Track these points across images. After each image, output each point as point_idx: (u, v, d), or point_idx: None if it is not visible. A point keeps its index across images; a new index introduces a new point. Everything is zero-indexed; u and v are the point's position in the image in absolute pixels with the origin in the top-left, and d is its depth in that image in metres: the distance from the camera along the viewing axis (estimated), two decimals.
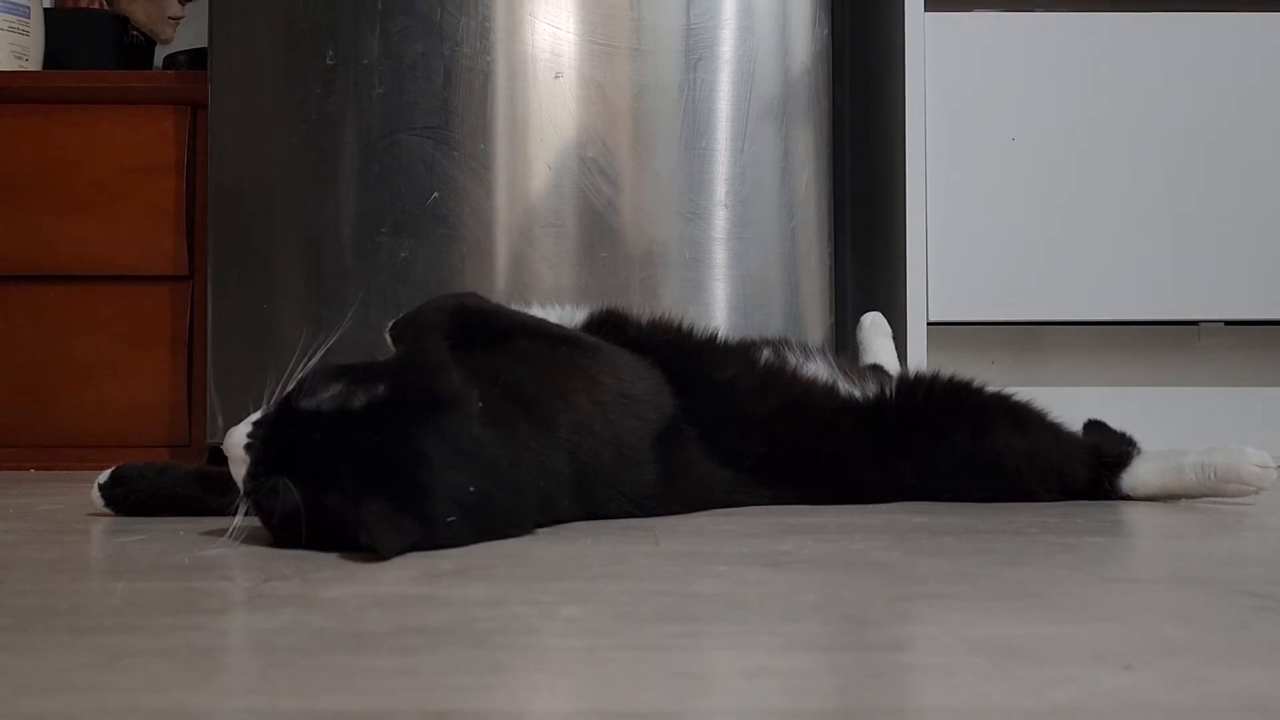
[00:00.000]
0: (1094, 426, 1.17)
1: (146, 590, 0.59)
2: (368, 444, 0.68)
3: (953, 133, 1.42)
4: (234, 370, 1.38)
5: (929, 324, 1.41)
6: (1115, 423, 1.10)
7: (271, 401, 0.73)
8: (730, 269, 1.39)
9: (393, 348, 0.93)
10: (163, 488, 0.90)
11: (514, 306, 1.00)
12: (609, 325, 0.98)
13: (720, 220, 1.38)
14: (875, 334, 1.36)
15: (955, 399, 0.99)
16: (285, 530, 0.69)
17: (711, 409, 0.95)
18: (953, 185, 1.42)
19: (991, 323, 1.45)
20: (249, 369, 1.37)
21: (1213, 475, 0.96)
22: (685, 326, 1.04)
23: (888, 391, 1.02)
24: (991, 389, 1.01)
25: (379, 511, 0.66)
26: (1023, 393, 1.03)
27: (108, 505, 0.91)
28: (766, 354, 1.06)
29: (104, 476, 0.91)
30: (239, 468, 0.71)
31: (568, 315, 1.00)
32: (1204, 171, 1.42)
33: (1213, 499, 0.97)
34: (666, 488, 0.88)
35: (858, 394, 1.02)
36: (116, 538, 0.80)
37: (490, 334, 0.88)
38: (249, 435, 0.71)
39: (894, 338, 1.38)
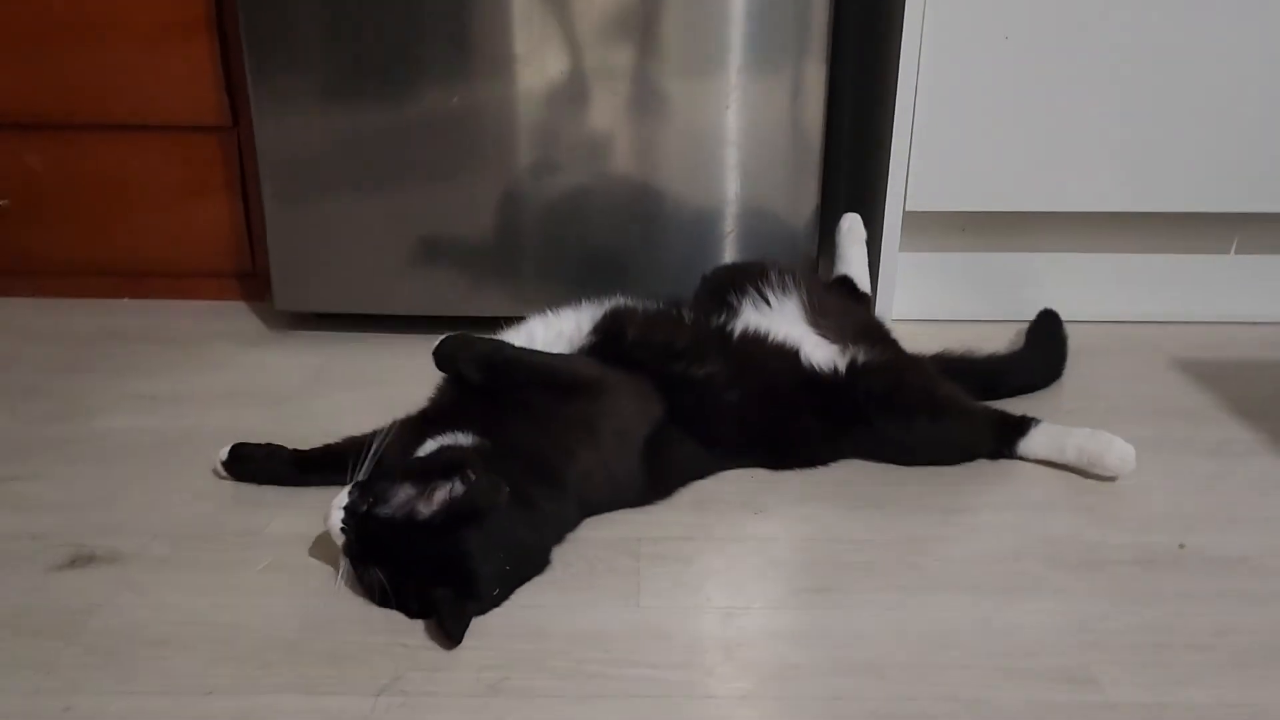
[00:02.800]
0: (1046, 315, 1.48)
1: None
2: (433, 549, 0.94)
3: (950, 30, 1.47)
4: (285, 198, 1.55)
5: (905, 212, 1.57)
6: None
7: (353, 490, 0.98)
8: (738, 144, 1.50)
9: (436, 368, 1.15)
10: (271, 470, 1.18)
11: None
12: (610, 335, 1.19)
13: (732, 98, 1.47)
14: (850, 241, 1.54)
15: (888, 396, 1.21)
16: (375, 596, 0.97)
17: (692, 405, 1.18)
18: (944, 81, 1.50)
19: (967, 212, 1.61)
20: (298, 200, 1.54)
21: (1085, 458, 1.21)
22: (675, 319, 1.24)
23: (839, 369, 1.24)
24: (921, 382, 1.24)
25: (447, 597, 0.94)
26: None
27: (227, 472, 1.19)
28: (743, 325, 1.27)
29: (225, 453, 1.18)
30: (338, 540, 0.98)
31: (581, 321, 1.21)
32: (1186, 71, 1.49)
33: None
34: (653, 484, 1.15)
35: (816, 361, 1.25)
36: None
37: (514, 382, 1.10)
38: (342, 523, 0.97)
39: (875, 221, 1.56)
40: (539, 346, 1.19)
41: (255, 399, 1.41)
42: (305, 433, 1.23)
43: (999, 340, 1.53)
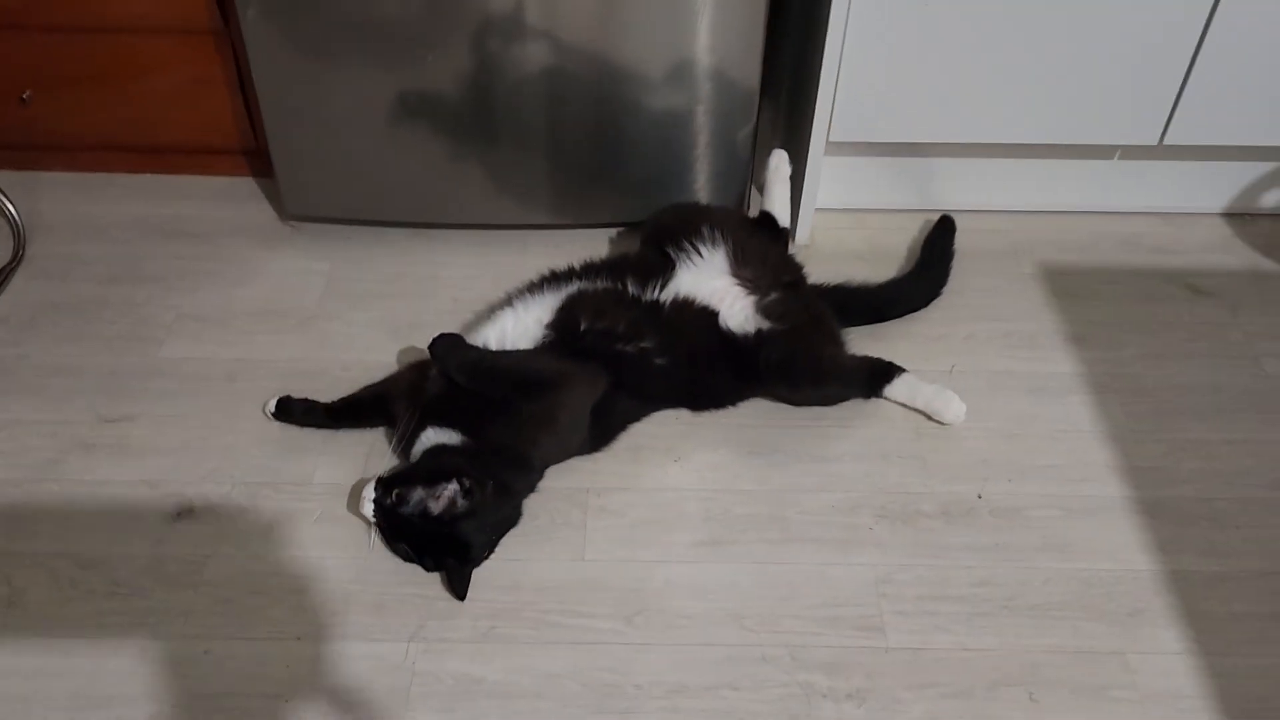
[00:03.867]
0: (942, 227, 1.83)
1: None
2: (444, 535, 1.35)
3: None
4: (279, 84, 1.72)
5: (828, 143, 1.80)
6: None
7: (378, 486, 1.37)
8: (690, 50, 1.69)
9: (432, 360, 1.49)
10: (309, 419, 1.56)
11: None
12: (565, 328, 1.51)
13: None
14: (776, 179, 1.79)
15: (783, 365, 1.55)
16: (400, 556, 1.40)
17: (631, 372, 1.54)
18: (870, 26, 1.66)
19: (887, 144, 1.83)
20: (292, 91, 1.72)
21: (930, 409, 1.60)
22: (619, 297, 1.55)
23: (749, 333, 1.58)
24: (810, 353, 1.57)
25: (454, 566, 1.37)
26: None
27: (276, 419, 1.57)
28: (674, 291, 1.58)
29: (273, 405, 1.56)
30: (370, 521, 1.39)
31: (541, 315, 1.52)
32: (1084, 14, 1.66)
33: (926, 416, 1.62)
34: (598, 436, 1.54)
35: (731, 325, 1.58)
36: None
37: (492, 383, 1.45)
38: (373, 505, 1.37)
39: (802, 151, 1.80)
40: (510, 338, 1.52)
41: (283, 320, 1.74)
42: (328, 358, 1.67)
43: (908, 228, 1.90)
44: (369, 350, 1.69)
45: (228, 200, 1.98)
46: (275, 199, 1.97)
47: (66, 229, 1.90)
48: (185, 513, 1.47)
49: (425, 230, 1.91)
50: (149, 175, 2.02)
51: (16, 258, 1.83)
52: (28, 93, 1.89)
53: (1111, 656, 1.32)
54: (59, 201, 1.95)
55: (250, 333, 1.73)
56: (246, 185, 2.01)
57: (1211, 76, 1.71)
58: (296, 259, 1.86)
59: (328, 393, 1.60)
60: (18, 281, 1.80)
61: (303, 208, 1.87)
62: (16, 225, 1.85)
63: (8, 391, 1.62)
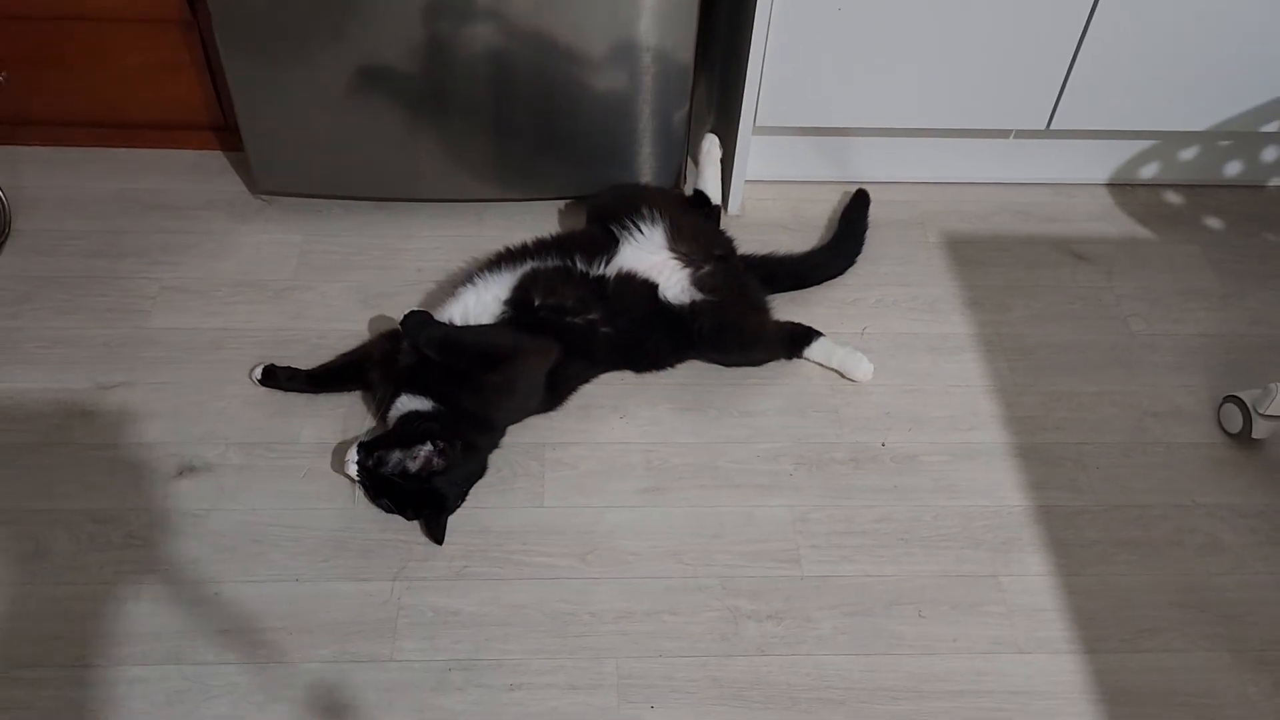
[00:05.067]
0: (857, 201, 2.04)
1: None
2: (421, 490, 1.56)
3: None
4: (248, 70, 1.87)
5: (755, 127, 1.99)
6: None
7: (359, 450, 1.56)
8: (629, 35, 1.85)
9: (403, 334, 1.67)
10: (292, 385, 1.74)
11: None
12: (521, 305, 1.70)
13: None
14: (708, 162, 2.00)
15: (715, 334, 1.77)
16: (382, 508, 1.60)
17: (580, 340, 1.74)
18: (792, 19, 1.85)
19: (810, 128, 2.03)
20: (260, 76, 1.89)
21: (843, 368, 1.83)
22: (568, 274, 1.75)
23: (684, 304, 1.78)
24: (738, 324, 1.79)
25: (431, 516, 1.57)
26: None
27: (262, 385, 1.75)
28: (618, 266, 1.78)
29: (259, 373, 1.74)
30: (354, 480, 1.59)
31: (499, 292, 1.71)
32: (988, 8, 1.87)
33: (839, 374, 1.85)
34: (552, 398, 1.75)
35: (669, 296, 1.79)
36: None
37: (458, 356, 1.64)
38: (356, 464, 1.57)
39: (732, 133, 1.99)
40: (472, 314, 1.70)
41: (260, 291, 1.91)
42: (305, 327, 1.84)
43: (827, 199, 2.12)
44: (342, 319, 1.87)
45: (199, 174, 2.12)
46: (245, 172, 2.11)
47: (50, 204, 2.03)
48: (186, 471, 1.65)
49: (388, 204, 2.08)
50: (123, 150, 2.14)
51: (4, 233, 1.96)
52: (3, 74, 2.00)
53: (986, 579, 1.58)
54: (40, 177, 2.08)
55: (231, 303, 1.89)
56: (216, 159, 2.15)
57: (1093, 68, 1.93)
58: (270, 232, 2.02)
59: (306, 359, 1.78)
60: (8, 256, 1.94)
61: (273, 184, 2.02)
62: (2, 202, 1.98)
63: (11, 362, 1.77)
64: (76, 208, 2.03)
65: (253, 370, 1.75)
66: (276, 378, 1.74)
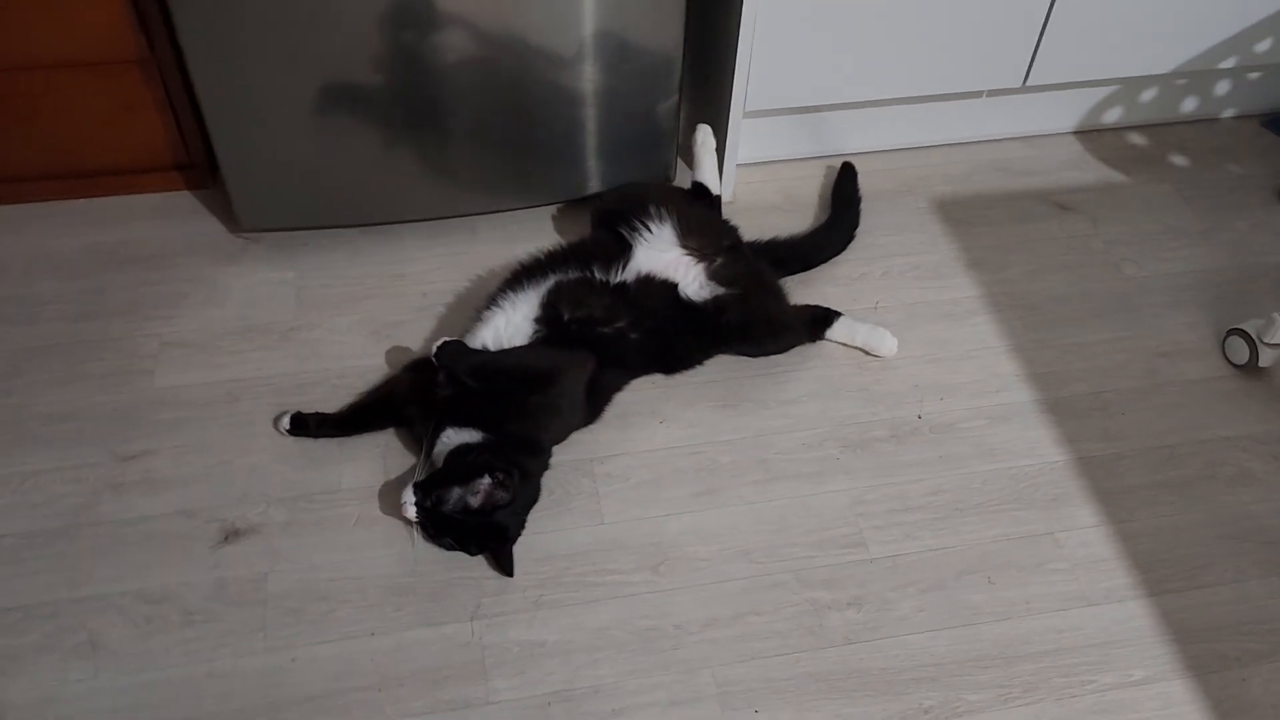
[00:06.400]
0: (845, 174, 2.05)
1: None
2: (482, 525, 1.53)
3: None
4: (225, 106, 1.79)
5: (745, 112, 1.99)
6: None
7: (415, 490, 1.52)
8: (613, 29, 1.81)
9: (438, 366, 1.63)
10: (323, 431, 1.69)
11: None
12: (551, 321, 1.67)
13: None
14: (703, 153, 1.98)
15: (743, 328, 1.77)
16: (444, 547, 1.57)
17: (611, 349, 1.72)
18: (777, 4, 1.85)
19: (797, 108, 2.03)
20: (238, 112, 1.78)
21: (867, 345, 1.85)
22: (591, 284, 1.72)
23: (707, 299, 1.78)
24: (764, 314, 1.79)
25: (497, 549, 1.55)
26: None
27: (291, 434, 1.69)
28: (635, 269, 1.76)
29: (286, 421, 1.68)
30: (412, 522, 1.55)
31: (528, 311, 1.68)
32: None
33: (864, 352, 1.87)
34: (591, 411, 1.73)
35: (690, 294, 1.78)
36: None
37: (501, 377, 1.61)
38: (414, 506, 1.53)
39: (722, 121, 1.98)
40: (505, 335, 1.67)
41: (266, 335, 1.83)
42: (319, 368, 1.77)
43: (814, 175, 2.14)
44: (357, 356, 1.81)
45: (168, 217, 2.02)
46: (219, 211, 2.02)
47: (17, 268, 1.91)
48: (231, 536, 1.59)
49: (377, 228, 2.01)
50: (82, 200, 2.02)
51: None
52: None
53: (1044, 537, 1.63)
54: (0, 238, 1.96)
55: (238, 352, 1.81)
56: (183, 199, 2.05)
57: (1066, 22, 1.97)
58: (260, 271, 1.94)
59: (327, 402, 1.73)
60: None
61: (257, 220, 1.93)
62: None
63: (17, 443, 1.67)
64: (48, 269, 1.92)
65: (278, 420, 1.69)
66: (306, 425, 1.68)
